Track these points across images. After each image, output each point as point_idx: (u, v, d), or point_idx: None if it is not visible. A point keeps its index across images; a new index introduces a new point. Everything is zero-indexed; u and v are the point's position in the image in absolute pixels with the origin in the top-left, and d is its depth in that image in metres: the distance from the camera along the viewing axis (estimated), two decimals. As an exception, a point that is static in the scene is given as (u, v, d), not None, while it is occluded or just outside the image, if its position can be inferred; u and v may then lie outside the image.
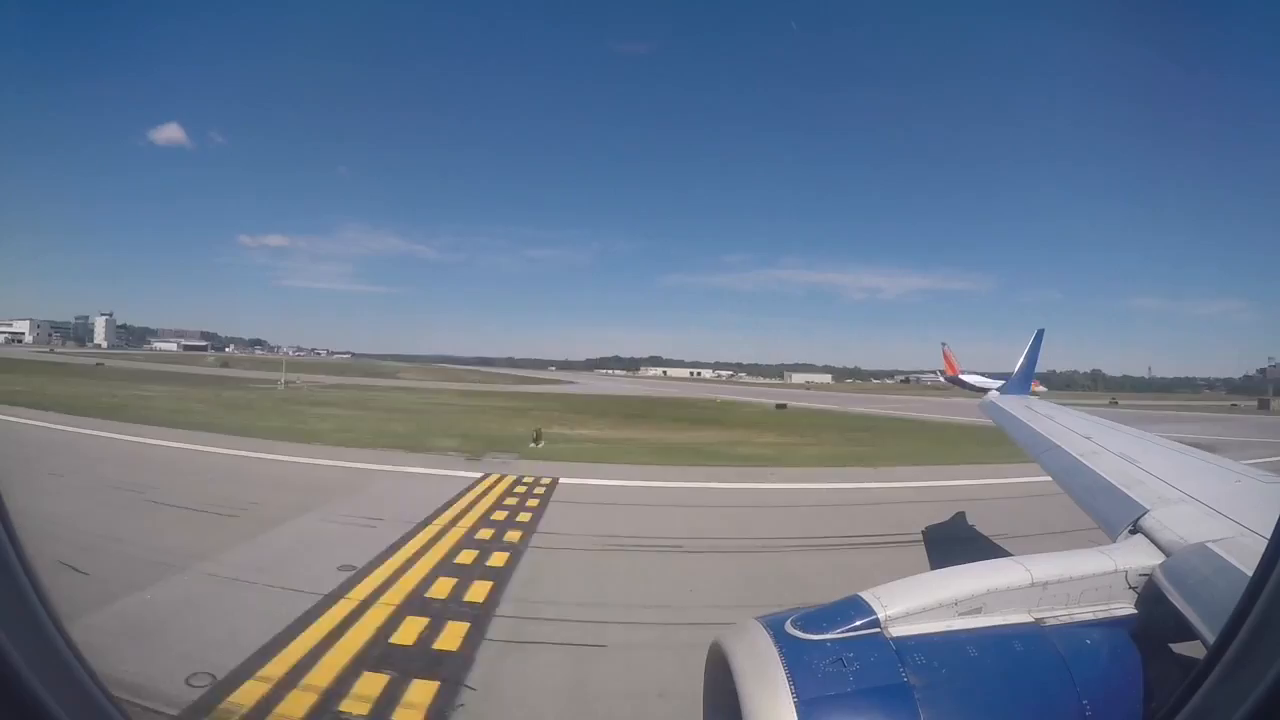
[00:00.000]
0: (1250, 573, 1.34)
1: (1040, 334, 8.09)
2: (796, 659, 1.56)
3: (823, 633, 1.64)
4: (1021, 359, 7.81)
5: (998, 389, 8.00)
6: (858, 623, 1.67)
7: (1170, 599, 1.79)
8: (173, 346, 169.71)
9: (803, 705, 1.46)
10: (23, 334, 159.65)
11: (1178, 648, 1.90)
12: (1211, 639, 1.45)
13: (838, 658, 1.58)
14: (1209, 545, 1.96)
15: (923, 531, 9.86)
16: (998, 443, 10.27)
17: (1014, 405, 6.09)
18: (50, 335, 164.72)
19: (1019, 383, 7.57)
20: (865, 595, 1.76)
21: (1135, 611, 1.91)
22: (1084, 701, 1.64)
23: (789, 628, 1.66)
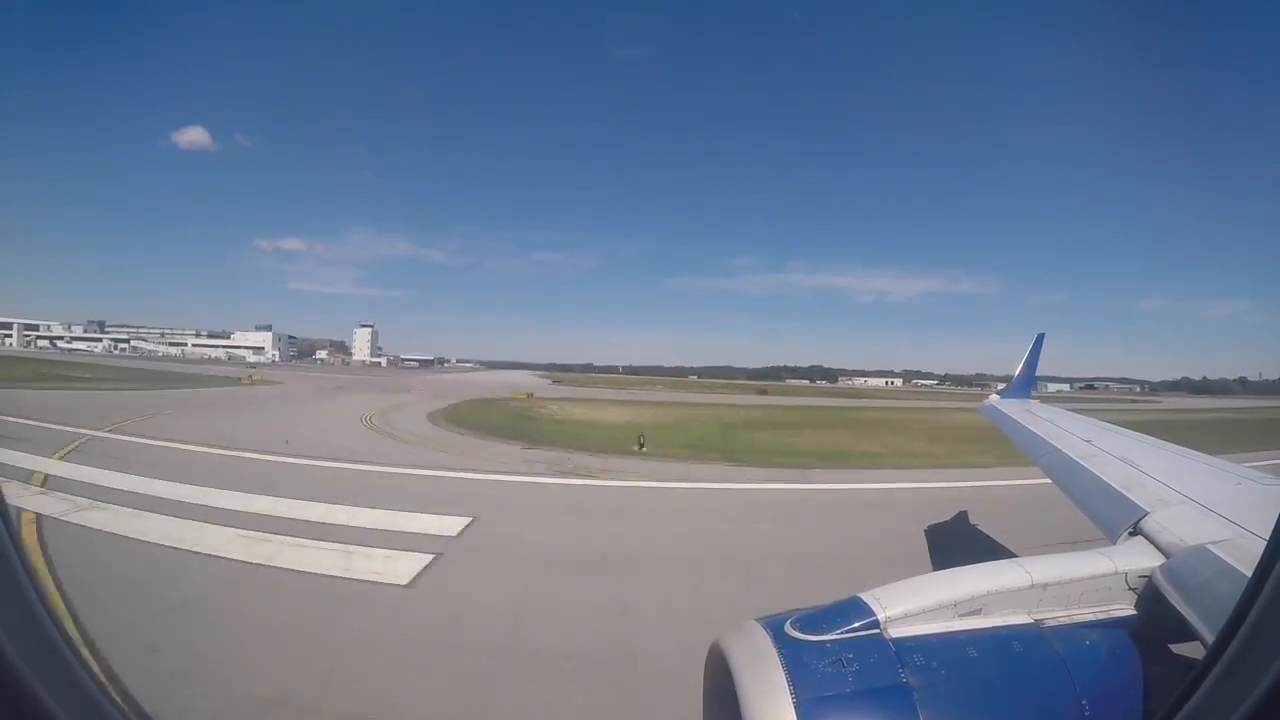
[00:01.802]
0: (1249, 574, 1.34)
1: (1040, 338, 8.11)
2: (796, 660, 1.56)
3: (822, 634, 1.64)
4: (1022, 363, 7.83)
5: (998, 393, 8.03)
6: (857, 624, 1.67)
7: (1170, 600, 1.79)
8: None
9: (802, 706, 1.46)
10: (264, 347, 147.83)
11: (1177, 648, 1.90)
12: (1211, 640, 1.45)
13: (837, 659, 1.58)
14: (1208, 547, 1.96)
15: (924, 532, 9.86)
16: None
17: (1014, 409, 6.11)
18: (290, 350, 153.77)
19: (1019, 387, 7.59)
20: (865, 596, 1.75)
21: (1135, 613, 1.91)
22: (1083, 702, 1.64)
23: (789, 629, 1.66)
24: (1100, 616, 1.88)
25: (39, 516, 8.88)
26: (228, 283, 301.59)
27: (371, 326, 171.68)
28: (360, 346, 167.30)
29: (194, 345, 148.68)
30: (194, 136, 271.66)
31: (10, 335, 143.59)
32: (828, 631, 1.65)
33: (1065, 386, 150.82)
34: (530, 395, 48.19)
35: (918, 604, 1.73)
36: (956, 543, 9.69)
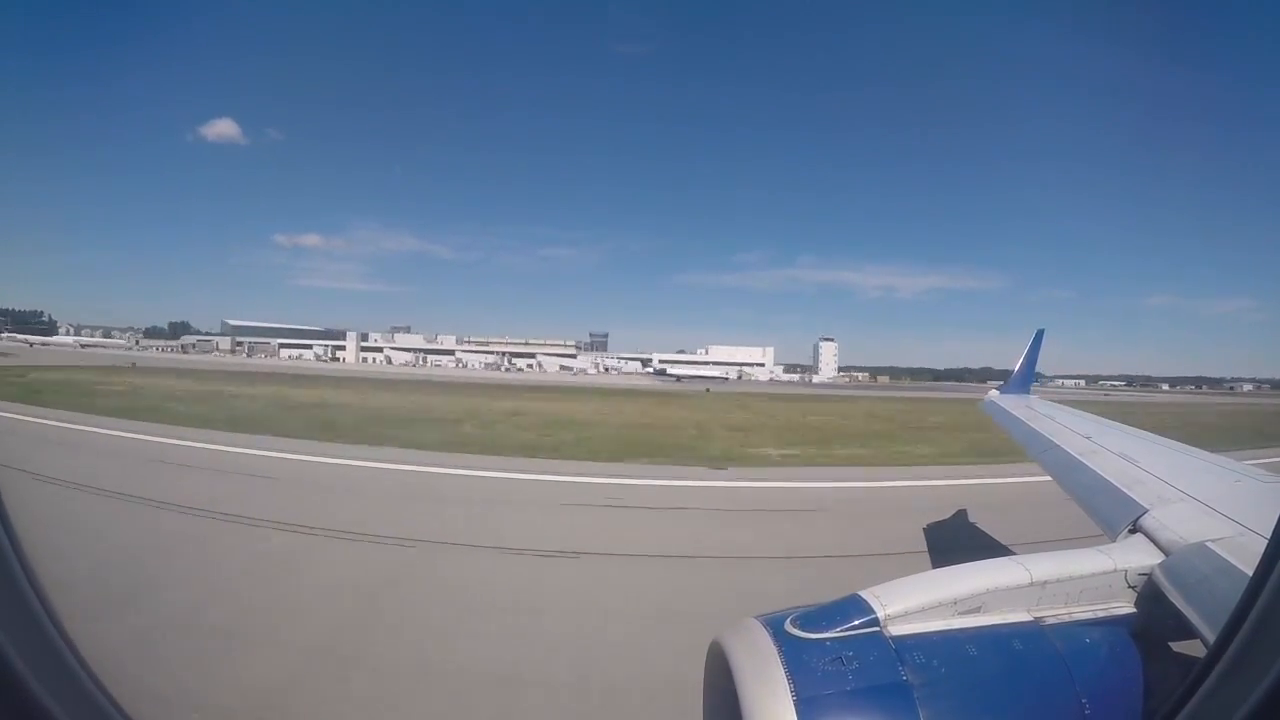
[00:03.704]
0: (1250, 572, 1.34)
1: (1040, 334, 8.10)
2: (796, 658, 1.56)
3: (822, 631, 1.64)
4: (1021, 359, 7.84)
5: (997, 389, 8.03)
6: (857, 622, 1.67)
7: (1170, 598, 1.79)
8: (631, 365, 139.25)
9: (802, 704, 1.46)
10: (764, 364, 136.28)
11: (1177, 646, 1.90)
12: (1211, 638, 1.45)
13: (837, 656, 1.58)
14: (1209, 544, 1.96)
15: (923, 530, 9.88)
16: None
17: (1014, 405, 6.11)
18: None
19: (1019, 382, 7.59)
20: (865, 594, 1.75)
21: (1135, 610, 1.91)
22: (1083, 700, 1.64)
23: (788, 626, 1.66)
24: (1100, 614, 1.88)
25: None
26: (232, 277, 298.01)
27: (833, 341, 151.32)
28: (827, 362, 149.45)
29: (619, 360, 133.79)
30: (222, 129, 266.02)
31: (344, 349, 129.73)
32: (828, 629, 1.65)
33: (1251, 386, 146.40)
34: None
35: (917, 602, 1.73)
36: (955, 541, 9.70)
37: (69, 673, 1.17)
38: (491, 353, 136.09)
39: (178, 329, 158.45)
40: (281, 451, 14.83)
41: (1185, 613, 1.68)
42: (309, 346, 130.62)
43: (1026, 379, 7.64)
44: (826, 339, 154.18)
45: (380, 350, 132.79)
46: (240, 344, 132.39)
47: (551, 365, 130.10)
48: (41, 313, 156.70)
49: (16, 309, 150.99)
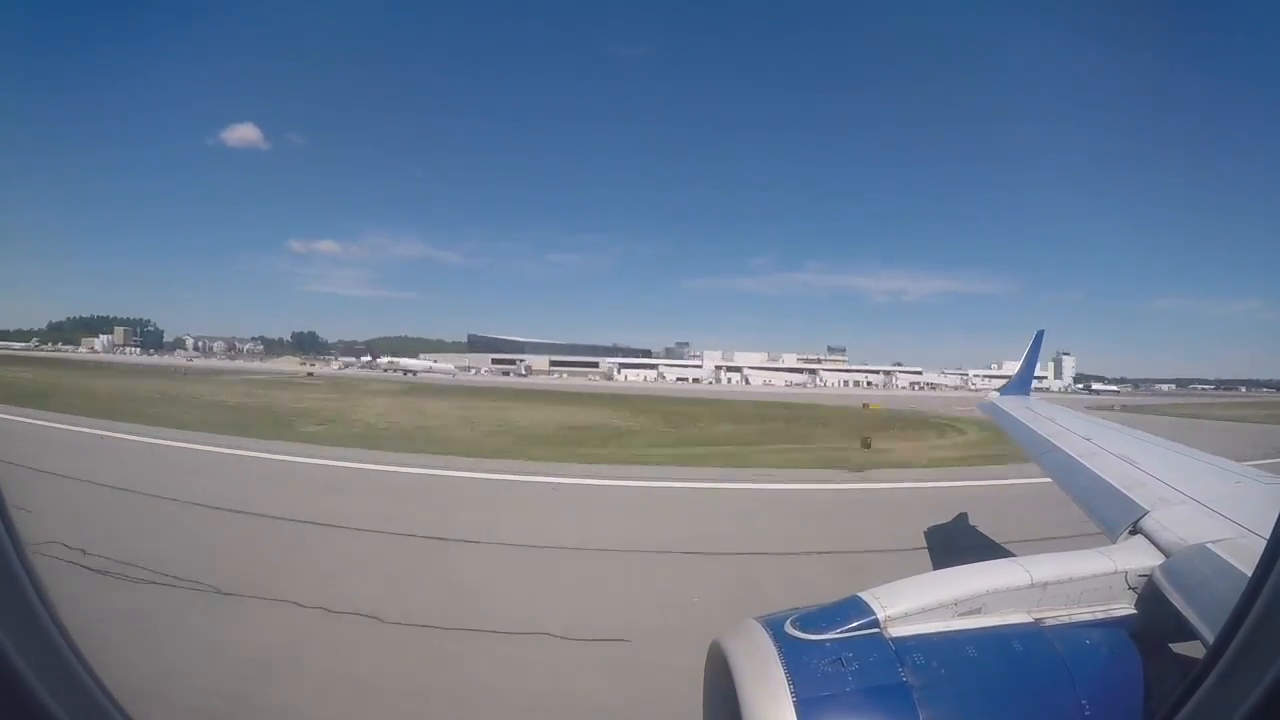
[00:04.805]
0: (1250, 573, 1.34)
1: (1040, 335, 8.11)
2: (796, 659, 1.56)
3: (822, 633, 1.64)
4: (1021, 360, 7.85)
5: (998, 390, 8.04)
6: (857, 623, 1.67)
7: (1170, 599, 1.79)
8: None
9: (802, 705, 1.46)
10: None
11: (1177, 648, 1.90)
12: (1211, 639, 1.45)
13: (837, 658, 1.58)
14: (1209, 546, 1.96)
15: (924, 532, 9.86)
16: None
17: (1014, 406, 6.11)
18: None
19: (1019, 383, 7.60)
20: (864, 595, 1.75)
21: (1135, 612, 1.91)
22: (1083, 701, 1.64)
23: (788, 628, 1.66)
24: (1100, 616, 1.88)
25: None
26: (240, 285, 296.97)
27: (1071, 355, 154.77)
28: (1066, 373, 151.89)
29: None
30: (243, 134, 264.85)
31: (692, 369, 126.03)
32: (828, 631, 1.65)
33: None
34: None
35: (917, 603, 1.73)
36: (956, 543, 9.69)
37: (69, 673, 1.17)
38: (869, 370, 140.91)
39: (302, 340, 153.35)
40: None
41: (1185, 614, 1.68)
42: (654, 366, 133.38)
43: (1026, 380, 7.64)
44: (1065, 353, 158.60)
45: (739, 369, 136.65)
46: (563, 365, 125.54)
47: (901, 381, 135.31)
48: (149, 321, 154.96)
49: (128, 317, 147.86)
